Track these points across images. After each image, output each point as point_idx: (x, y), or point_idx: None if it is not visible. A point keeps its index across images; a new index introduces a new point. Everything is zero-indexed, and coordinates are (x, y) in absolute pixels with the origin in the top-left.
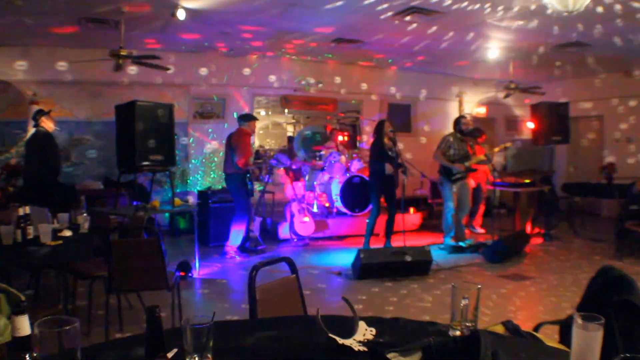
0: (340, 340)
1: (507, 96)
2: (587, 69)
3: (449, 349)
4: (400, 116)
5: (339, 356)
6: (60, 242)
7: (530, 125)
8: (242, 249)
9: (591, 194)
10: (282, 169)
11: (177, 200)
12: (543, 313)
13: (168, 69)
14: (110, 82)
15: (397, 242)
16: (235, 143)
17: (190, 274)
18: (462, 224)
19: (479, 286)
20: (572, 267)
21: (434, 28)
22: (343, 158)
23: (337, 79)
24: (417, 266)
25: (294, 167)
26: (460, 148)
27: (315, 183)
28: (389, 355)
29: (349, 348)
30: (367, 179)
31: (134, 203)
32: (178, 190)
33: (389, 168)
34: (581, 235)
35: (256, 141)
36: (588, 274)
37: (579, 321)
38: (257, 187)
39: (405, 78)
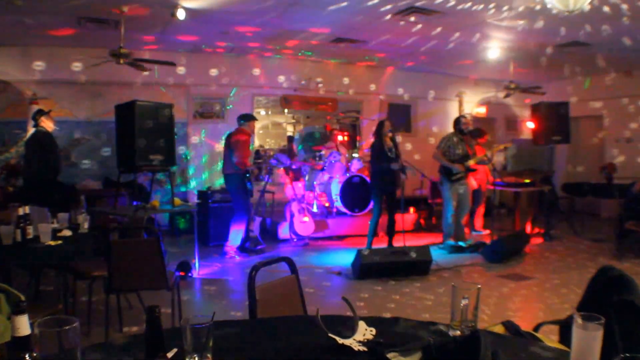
0: (340, 340)
1: (507, 96)
2: (587, 68)
3: (449, 349)
4: (401, 116)
5: (339, 356)
6: (60, 242)
7: (530, 125)
8: (242, 248)
9: (591, 194)
10: (282, 168)
11: (177, 200)
12: (543, 313)
13: (173, 63)
14: (110, 82)
15: (397, 242)
16: (234, 143)
17: (190, 274)
18: (462, 223)
19: (479, 286)
20: (572, 267)
21: (439, 29)
22: (343, 158)
23: (337, 79)
24: (417, 266)
25: (293, 167)
26: (460, 148)
27: (315, 183)
28: (389, 355)
29: (349, 348)
30: (367, 178)
31: (134, 203)
32: (182, 190)
33: (396, 165)
34: (581, 235)
35: (256, 141)
36: (588, 274)
37: (579, 321)
38: (259, 184)
39: (406, 78)
